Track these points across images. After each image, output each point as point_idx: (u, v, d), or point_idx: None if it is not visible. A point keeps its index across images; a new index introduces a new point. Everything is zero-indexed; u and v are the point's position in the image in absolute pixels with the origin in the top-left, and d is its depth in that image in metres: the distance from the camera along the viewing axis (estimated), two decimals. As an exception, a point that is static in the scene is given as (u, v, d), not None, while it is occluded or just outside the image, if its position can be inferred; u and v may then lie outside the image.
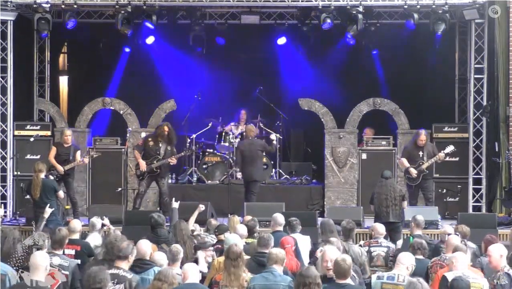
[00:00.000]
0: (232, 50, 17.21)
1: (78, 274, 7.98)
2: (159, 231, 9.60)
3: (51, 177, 13.09)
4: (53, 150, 14.04)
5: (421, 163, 13.99)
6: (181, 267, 8.10)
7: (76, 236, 9.79)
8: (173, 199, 11.38)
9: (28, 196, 12.87)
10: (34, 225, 12.27)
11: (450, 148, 14.09)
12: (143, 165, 13.92)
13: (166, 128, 14.06)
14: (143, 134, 15.24)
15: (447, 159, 14.37)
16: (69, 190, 14.02)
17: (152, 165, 13.95)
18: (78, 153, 14.03)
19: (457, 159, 15.03)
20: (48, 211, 10.81)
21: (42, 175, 12.40)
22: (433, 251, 9.69)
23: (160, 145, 14.02)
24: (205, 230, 10.85)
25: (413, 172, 13.93)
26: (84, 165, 14.89)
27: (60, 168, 13.72)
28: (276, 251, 7.77)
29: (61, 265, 7.88)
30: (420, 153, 14.05)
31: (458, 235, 9.47)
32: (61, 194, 12.76)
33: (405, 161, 14.03)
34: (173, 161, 14.09)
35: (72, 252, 9.28)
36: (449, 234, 9.66)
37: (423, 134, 14.08)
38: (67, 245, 9.33)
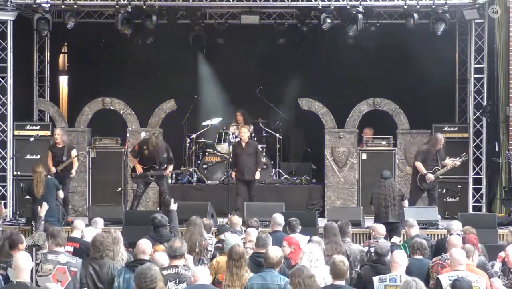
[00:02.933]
0: (232, 50, 17.19)
1: (83, 271, 7.99)
2: (161, 231, 9.60)
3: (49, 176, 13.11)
4: (50, 154, 14.01)
5: (437, 169, 13.92)
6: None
7: (77, 234, 9.81)
8: (172, 200, 11.12)
9: (28, 196, 12.86)
10: (33, 225, 12.26)
11: (464, 157, 14.08)
12: (140, 169, 13.90)
13: (150, 144, 13.90)
14: (143, 134, 15.23)
15: (447, 159, 14.36)
16: (63, 190, 13.94)
17: (148, 173, 13.93)
18: (74, 151, 14.00)
19: (457, 159, 15.01)
20: (43, 209, 10.69)
21: (43, 174, 12.46)
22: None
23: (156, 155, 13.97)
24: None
25: (431, 177, 13.82)
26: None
27: (52, 168, 13.67)
28: (272, 254, 7.60)
29: (69, 262, 7.90)
30: (435, 157, 13.94)
31: (460, 235, 9.45)
32: (60, 193, 12.76)
33: (421, 166, 13.85)
34: (167, 174, 14.09)
35: (71, 249, 9.26)
36: (450, 234, 9.67)
37: (443, 140, 14.01)
38: (67, 243, 9.34)
